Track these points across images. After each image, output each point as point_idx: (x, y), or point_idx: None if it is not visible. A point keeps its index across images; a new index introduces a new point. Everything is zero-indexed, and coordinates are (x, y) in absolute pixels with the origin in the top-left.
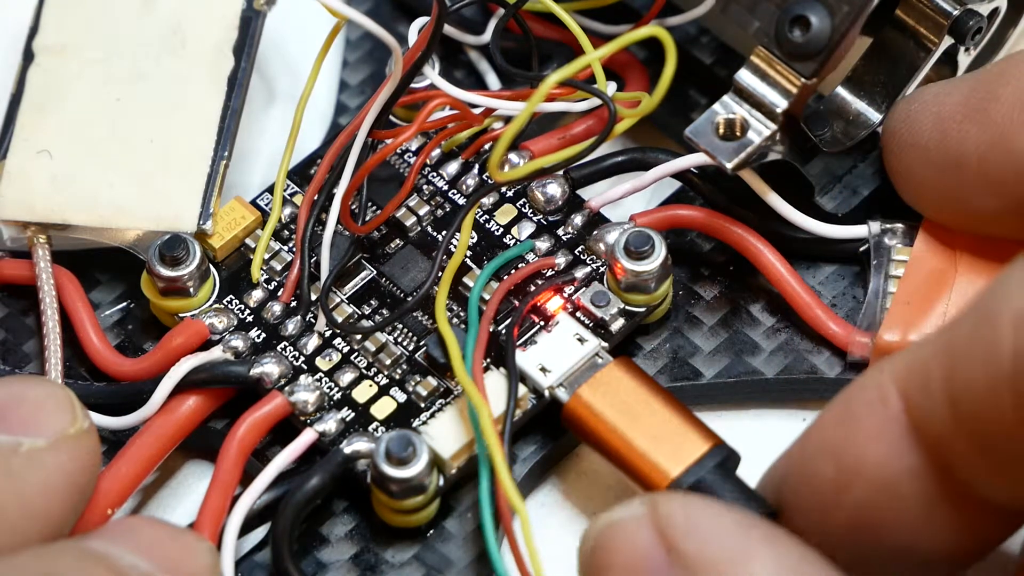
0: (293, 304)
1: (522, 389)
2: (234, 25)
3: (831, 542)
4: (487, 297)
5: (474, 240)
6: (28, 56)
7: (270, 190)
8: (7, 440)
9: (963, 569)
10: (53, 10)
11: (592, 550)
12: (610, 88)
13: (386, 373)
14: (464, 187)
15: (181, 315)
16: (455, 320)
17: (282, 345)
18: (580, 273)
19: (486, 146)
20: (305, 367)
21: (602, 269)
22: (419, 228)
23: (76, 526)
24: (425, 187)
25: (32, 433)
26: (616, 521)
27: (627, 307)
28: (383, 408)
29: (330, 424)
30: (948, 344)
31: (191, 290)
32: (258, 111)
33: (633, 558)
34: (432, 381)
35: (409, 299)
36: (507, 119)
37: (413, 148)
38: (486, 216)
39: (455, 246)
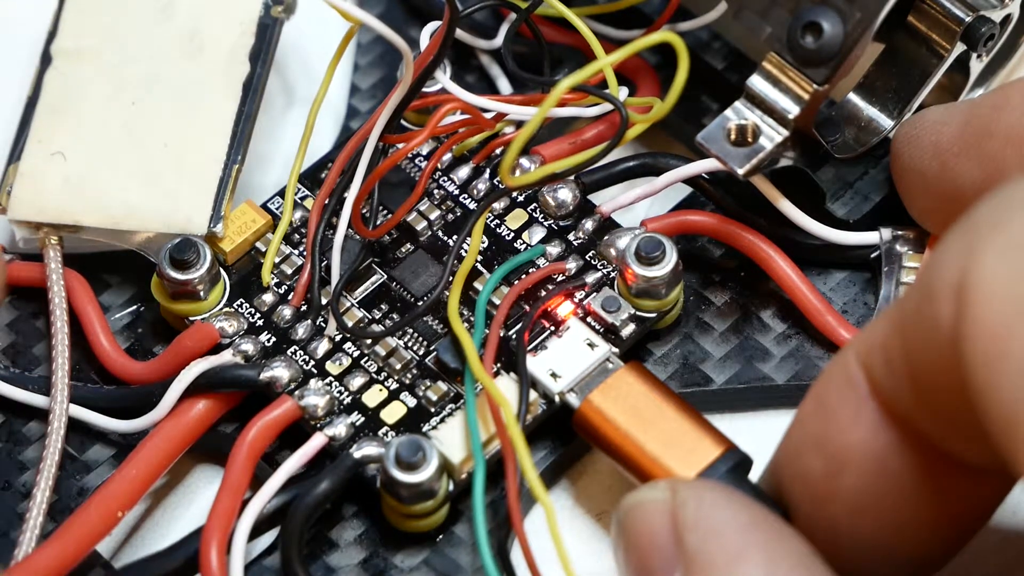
0: (303, 308)
1: (532, 394)
2: (251, 32)
3: (834, 537)
4: (496, 302)
5: (485, 245)
6: (46, 59)
7: (281, 194)
8: None
9: (958, 547)
10: (72, 14)
11: (617, 527)
12: (622, 93)
13: (396, 378)
14: (475, 192)
15: (191, 318)
16: (465, 325)
17: (292, 349)
18: (591, 278)
19: (497, 151)
20: (315, 371)
21: (613, 274)
22: (430, 233)
23: (85, 528)
24: (436, 191)
25: None
26: (640, 502)
27: (638, 312)
28: (393, 413)
29: (340, 428)
30: (899, 322)
31: (201, 293)
32: (272, 114)
33: (646, 541)
34: (442, 386)
35: (419, 304)
36: (518, 124)
37: (424, 152)
38: (497, 221)
39: (466, 251)
